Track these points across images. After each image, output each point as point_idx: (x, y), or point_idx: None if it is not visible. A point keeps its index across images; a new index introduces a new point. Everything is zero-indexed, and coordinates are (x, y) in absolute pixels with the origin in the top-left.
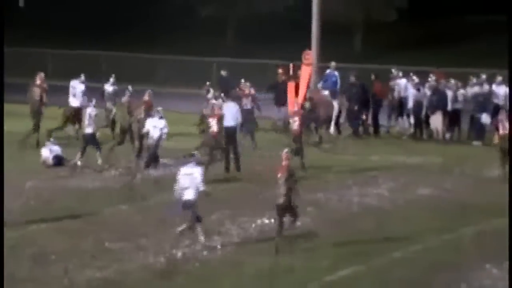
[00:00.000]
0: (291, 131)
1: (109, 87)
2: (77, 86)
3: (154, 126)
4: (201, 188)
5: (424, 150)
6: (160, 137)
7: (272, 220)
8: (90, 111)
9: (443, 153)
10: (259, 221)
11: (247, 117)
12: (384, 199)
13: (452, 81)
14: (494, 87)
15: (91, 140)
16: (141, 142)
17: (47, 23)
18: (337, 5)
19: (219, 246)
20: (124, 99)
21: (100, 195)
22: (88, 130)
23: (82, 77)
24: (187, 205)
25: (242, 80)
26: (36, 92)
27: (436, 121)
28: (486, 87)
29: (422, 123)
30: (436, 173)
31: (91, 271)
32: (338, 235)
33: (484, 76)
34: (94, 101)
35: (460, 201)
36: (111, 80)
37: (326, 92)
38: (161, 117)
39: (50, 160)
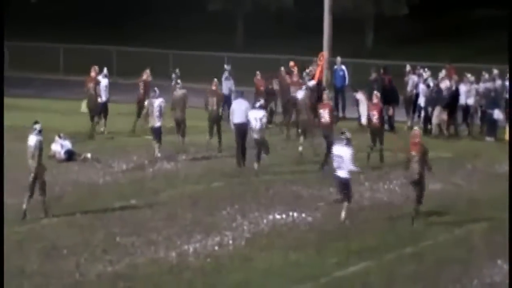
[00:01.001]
0: (371, 124)
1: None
2: (101, 80)
3: (255, 118)
4: (350, 168)
5: (436, 145)
6: (261, 128)
7: (284, 216)
8: (159, 103)
9: (454, 149)
10: (270, 216)
11: (293, 104)
12: (395, 194)
13: (469, 75)
14: (506, 82)
15: (158, 133)
16: (213, 128)
17: (59, 18)
18: (348, 0)
19: (230, 241)
20: (177, 92)
21: (111, 190)
22: (158, 123)
23: (105, 70)
24: (340, 183)
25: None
26: (92, 86)
27: (435, 116)
28: (498, 82)
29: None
30: (448, 168)
31: (102, 265)
32: (348, 230)
33: (496, 71)
34: (157, 93)
35: (471, 196)
36: (176, 72)
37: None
38: (260, 107)
39: (62, 155)
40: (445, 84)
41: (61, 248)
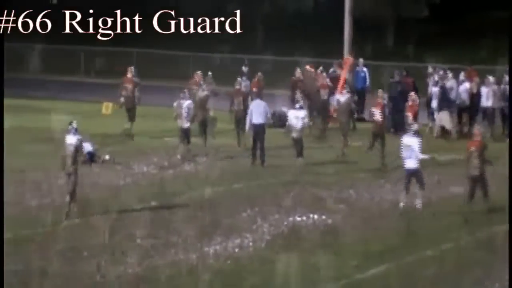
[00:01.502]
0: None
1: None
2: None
3: (296, 117)
4: (420, 156)
5: (457, 147)
6: (302, 128)
7: (304, 218)
8: (187, 104)
9: None
10: (290, 218)
11: (323, 107)
12: (416, 196)
13: (490, 77)
14: None
15: (187, 134)
16: (239, 129)
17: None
18: (368, 2)
19: (250, 243)
20: (201, 93)
21: (131, 192)
22: (186, 124)
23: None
24: (410, 172)
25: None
26: (129, 87)
27: (443, 118)
28: None
29: None
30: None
31: (122, 267)
32: (369, 233)
33: None
34: (186, 94)
35: (492, 198)
36: (209, 76)
37: None
38: (301, 107)
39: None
40: (464, 87)
41: (82, 249)
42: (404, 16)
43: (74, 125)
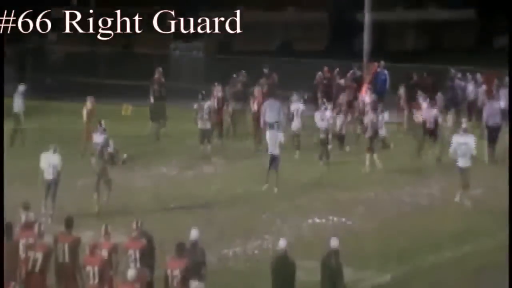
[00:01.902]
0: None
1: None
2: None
3: (322, 119)
4: (473, 153)
5: (478, 149)
6: (327, 128)
7: (323, 220)
8: (208, 105)
9: (496, 153)
10: (309, 220)
11: (345, 107)
12: (435, 199)
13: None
14: None
15: (207, 135)
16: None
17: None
18: (389, 4)
19: (270, 245)
20: (218, 94)
21: (150, 193)
22: (208, 126)
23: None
24: (462, 171)
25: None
26: (156, 88)
27: (447, 117)
28: None
29: None
30: (488, 172)
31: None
32: (388, 235)
33: None
34: (205, 95)
35: None
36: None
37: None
38: (326, 108)
39: None
40: (482, 89)
41: None
42: (424, 19)
43: (103, 124)
